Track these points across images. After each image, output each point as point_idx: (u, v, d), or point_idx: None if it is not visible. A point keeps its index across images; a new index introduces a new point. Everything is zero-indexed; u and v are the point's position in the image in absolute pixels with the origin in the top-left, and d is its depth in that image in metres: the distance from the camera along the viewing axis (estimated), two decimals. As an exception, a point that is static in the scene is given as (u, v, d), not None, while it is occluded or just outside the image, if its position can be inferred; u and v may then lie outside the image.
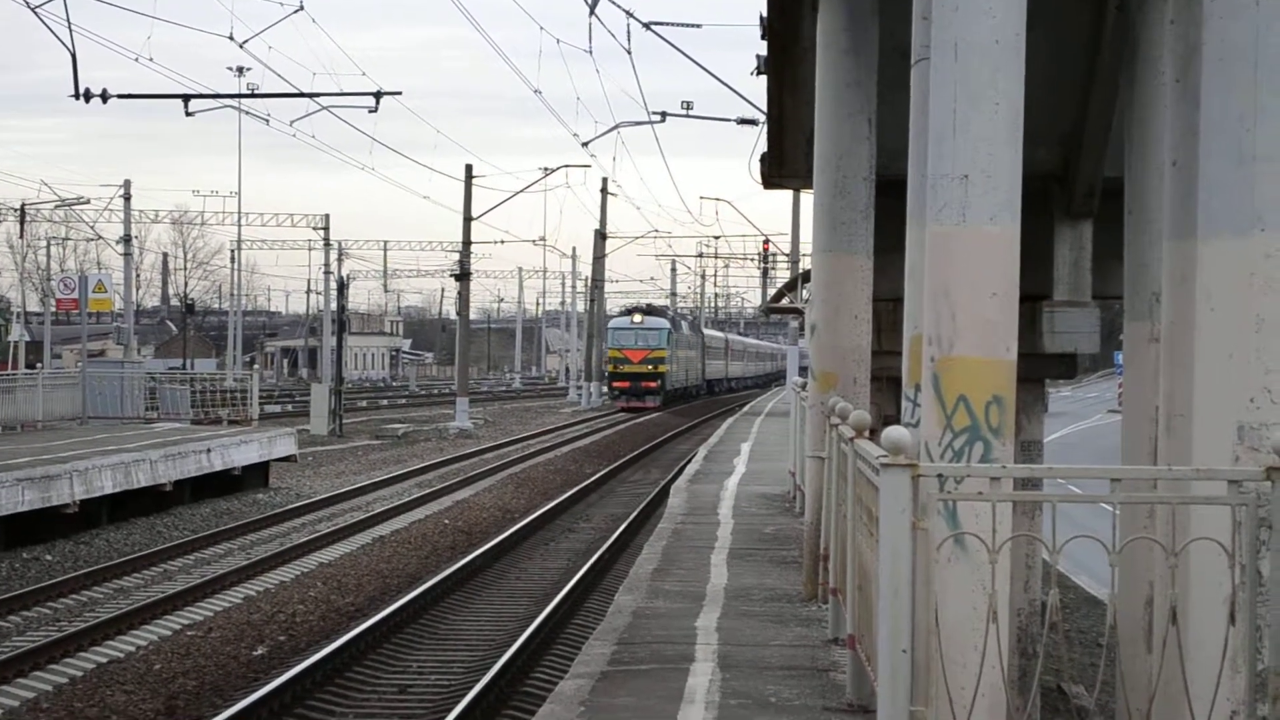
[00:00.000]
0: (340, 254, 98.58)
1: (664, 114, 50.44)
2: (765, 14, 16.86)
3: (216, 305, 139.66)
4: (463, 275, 67.08)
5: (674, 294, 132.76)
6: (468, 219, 66.56)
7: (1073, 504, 7.48)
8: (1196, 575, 7.76)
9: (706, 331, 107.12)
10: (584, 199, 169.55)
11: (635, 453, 51.98)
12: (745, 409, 63.57)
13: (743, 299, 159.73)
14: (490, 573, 26.08)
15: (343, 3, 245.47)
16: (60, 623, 20.85)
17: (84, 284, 58.81)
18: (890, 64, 13.62)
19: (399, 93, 44.22)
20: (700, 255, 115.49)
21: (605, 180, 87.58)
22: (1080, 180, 16.97)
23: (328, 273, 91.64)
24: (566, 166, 74.13)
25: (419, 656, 19.52)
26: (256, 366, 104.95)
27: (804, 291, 33.27)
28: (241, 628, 20.52)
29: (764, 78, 19.56)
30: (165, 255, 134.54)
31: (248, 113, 54.33)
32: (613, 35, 65.89)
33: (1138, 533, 10.03)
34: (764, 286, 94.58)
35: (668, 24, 46.01)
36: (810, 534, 13.69)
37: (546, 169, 72.74)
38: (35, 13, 33.73)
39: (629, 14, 37.19)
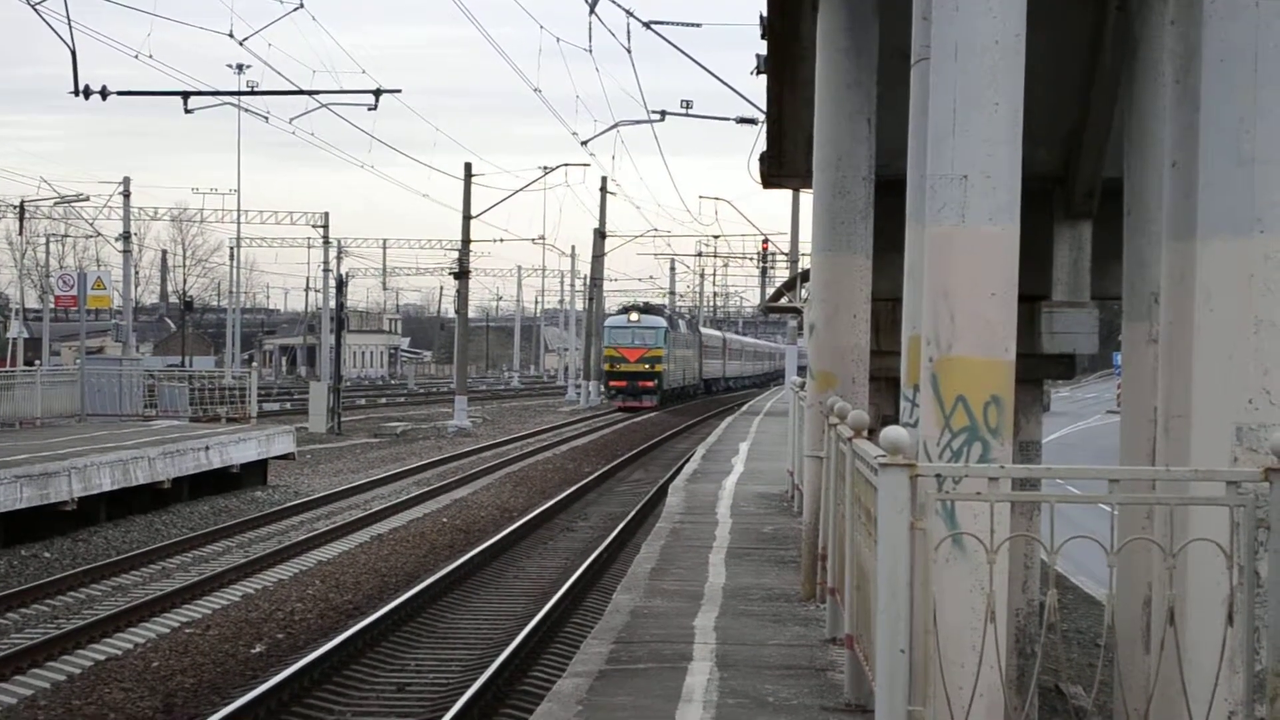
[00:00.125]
0: (339, 252, 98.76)
1: (664, 113, 50.52)
2: (765, 14, 16.87)
3: (215, 303, 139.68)
4: (462, 273, 67.06)
5: (673, 293, 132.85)
6: (467, 217, 66.54)
7: (1071, 505, 7.48)
8: (1195, 576, 7.77)
9: (704, 330, 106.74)
10: (583, 198, 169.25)
11: (633, 452, 51.98)
12: (744, 408, 63.60)
13: (742, 298, 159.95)
14: (488, 571, 26.07)
15: (343, 1, 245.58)
16: (58, 620, 20.85)
17: (83, 281, 58.88)
18: (890, 64, 13.62)
19: (398, 90, 44.27)
20: (699, 254, 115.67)
21: (604, 179, 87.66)
22: (1080, 181, 16.98)
23: (327, 270, 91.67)
24: (566, 165, 74.08)
25: (417, 655, 19.51)
26: (255, 364, 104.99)
27: (803, 291, 33.28)
28: (240, 625, 20.52)
29: (764, 77, 19.57)
30: (164, 252, 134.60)
31: (247, 110, 54.26)
32: (612, 34, 65.90)
33: (1136, 533, 10.03)
34: (763, 286, 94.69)
35: (668, 23, 46.15)
36: (808, 533, 13.70)
37: (546, 168, 72.78)
38: (35, 10, 33.77)
39: (629, 13, 37.22)
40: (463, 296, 68.88)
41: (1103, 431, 67.72)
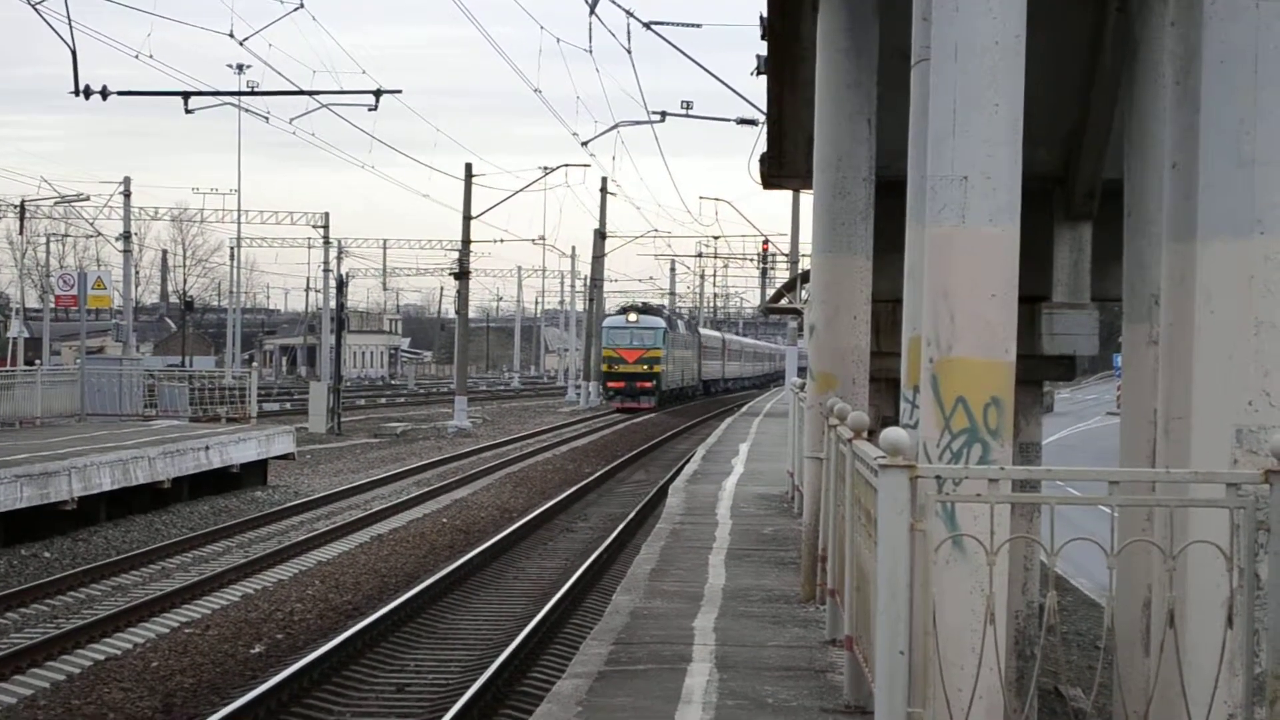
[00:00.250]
0: (339, 252, 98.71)
1: (664, 113, 50.52)
2: (765, 14, 16.86)
3: (215, 303, 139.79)
4: (462, 274, 67.06)
5: (673, 293, 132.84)
6: (467, 218, 66.55)
7: (1071, 506, 7.47)
8: (1194, 578, 7.76)
9: (703, 331, 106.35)
10: (583, 198, 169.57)
11: (633, 452, 51.98)
12: (744, 409, 63.60)
13: (742, 299, 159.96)
14: (488, 572, 26.07)
15: (343, 1, 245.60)
16: (58, 620, 20.85)
17: (83, 281, 58.86)
18: (890, 65, 13.61)
19: (399, 91, 44.27)
20: (699, 255, 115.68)
21: (605, 180, 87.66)
22: (1080, 182, 16.98)
23: (327, 271, 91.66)
24: (566, 166, 74.10)
25: (417, 655, 19.51)
26: (255, 364, 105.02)
27: (803, 292, 33.27)
28: (239, 626, 20.52)
29: (764, 78, 19.57)
30: (165, 252, 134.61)
31: (248, 110, 54.25)
32: (613, 35, 65.99)
33: (1136, 535, 10.02)
34: (763, 287, 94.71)
35: (668, 24, 46.15)
36: (808, 535, 13.69)
37: (546, 168, 72.80)
38: (36, 9, 33.77)
39: (629, 13, 37.23)
40: (463, 297, 68.90)
41: (1103, 433, 67.75)
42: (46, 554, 26.03)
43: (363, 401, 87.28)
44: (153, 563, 25.71)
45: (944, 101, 8.37)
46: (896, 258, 10.97)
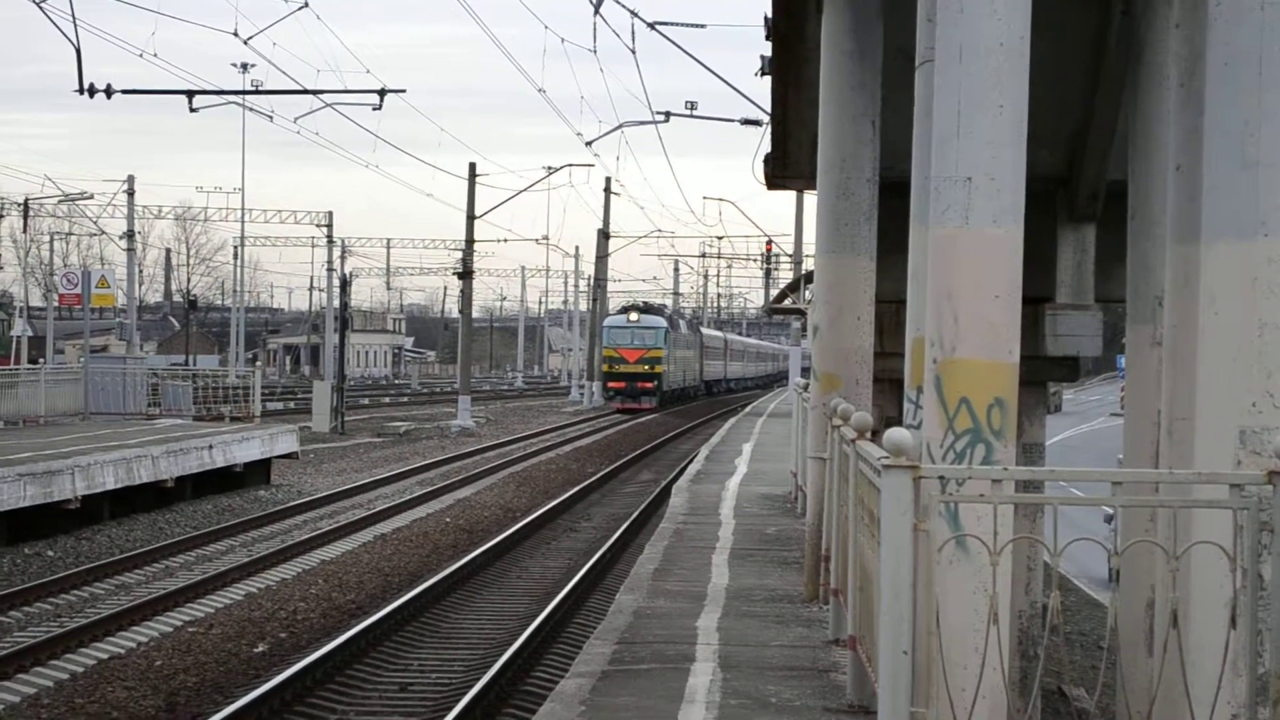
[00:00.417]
0: (343, 251, 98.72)
1: (668, 114, 50.61)
2: (770, 15, 16.87)
3: (219, 302, 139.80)
4: (466, 273, 67.06)
5: (677, 293, 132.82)
6: (471, 217, 66.56)
7: (1075, 507, 7.48)
8: (1198, 579, 7.77)
9: (705, 331, 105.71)
10: (587, 198, 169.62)
11: (637, 452, 51.98)
12: (747, 409, 63.59)
13: (745, 299, 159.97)
14: (491, 571, 26.08)
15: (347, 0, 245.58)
16: (61, 619, 20.86)
17: (87, 279, 58.86)
18: (894, 66, 13.62)
19: (403, 90, 44.31)
20: (703, 255, 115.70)
21: (609, 179, 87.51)
22: (1084, 183, 16.98)
23: (330, 270, 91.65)
24: (570, 165, 74.15)
25: (420, 654, 19.52)
26: (259, 363, 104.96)
27: (806, 292, 33.26)
28: (243, 625, 20.54)
29: (768, 79, 19.57)
30: (168, 251, 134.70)
31: (252, 109, 54.24)
32: (617, 35, 65.77)
33: (1139, 536, 10.04)
34: (767, 287, 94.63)
35: (672, 24, 46.12)
36: (812, 535, 13.70)
37: (550, 168, 72.81)
38: (41, 8, 33.78)
39: (634, 13, 37.27)
40: (466, 296, 68.91)
41: (1106, 434, 67.74)
42: (50, 553, 26.04)
43: (366, 401, 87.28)
44: (156, 562, 25.72)
45: (948, 103, 8.38)
46: (900, 258, 10.98)
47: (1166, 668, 7.35)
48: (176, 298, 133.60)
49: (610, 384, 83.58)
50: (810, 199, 38.98)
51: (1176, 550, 7.30)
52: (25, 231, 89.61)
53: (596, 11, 36.93)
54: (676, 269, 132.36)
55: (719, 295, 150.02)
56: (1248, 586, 6.95)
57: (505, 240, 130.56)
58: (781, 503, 22.19)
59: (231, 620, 20.79)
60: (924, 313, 8.84)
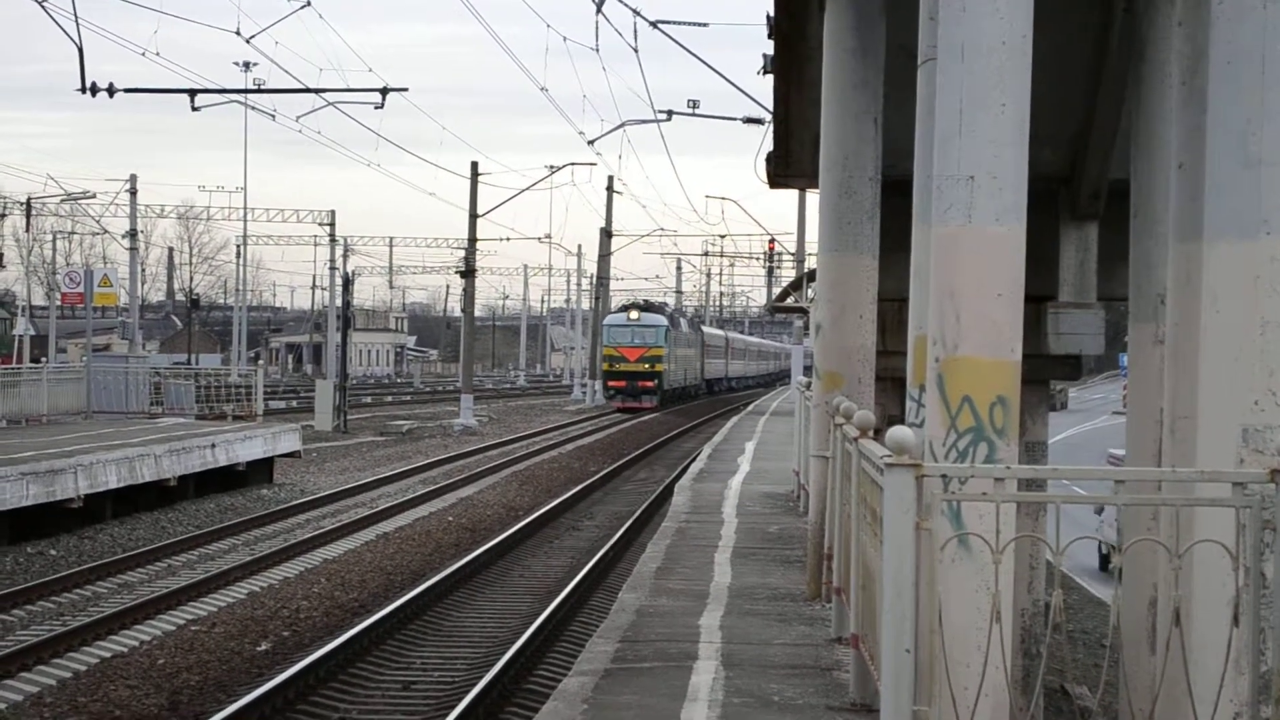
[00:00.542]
0: (345, 250, 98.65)
1: (670, 112, 50.61)
2: (772, 14, 16.88)
3: (221, 300, 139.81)
4: (468, 272, 67.07)
5: (679, 292, 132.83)
6: (473, 216, 66.57)
7: (1077, 505, 7.49)
8: (1200, 577, 7.78)
9: (706, 330, 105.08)
10: (590, 197, 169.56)
11: (639, 451, 51.98)
12: (749, 408, 63.58)
13: (748, 298, 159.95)
14: (494, 570, 26.09)
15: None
16: (64, 617, 20.87)
17: (89, 278, 58.97)
18: (897, 64, 13.63)
19: (405, 89, 44.31)
20: (706, 254, 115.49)
21: (611, 178, 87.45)
22: (1086, 182, 16.99)
23: (333, 268, 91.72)
24: (572, 164, 74.05)
25: (423, 653, 19.53)
26: (261, 362, 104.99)
27: (809, 291, 33.25)
28: (245, 623, 20.55)
29: (770, 77, 19.58)
30: (171, 250, 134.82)
31: (254, 108, 54.41)
32: (619, 34, 66.02)
33: (1142, 534, 10.04)
34: (769, 285, 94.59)
35: (675, 23, 46.17)
36: (814, 533, 13.70)
37: (553, 167, 72.78)
38: (43, 7, 33.80)
39: (636, 12, 37.27)
40: (469, 295, 68.94)
41: (1108, 432, 67.72)
42: (53, 551, 26.06)
43: (369, 399, 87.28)
44: (159, 560, 25.73)
45: (950, 101, 8.38)
46: (902, 257, 10.98)
47: (1169, 666, 7.36)
48: (179, 296, 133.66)
49: (610, 383, 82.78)
50: (813, 197, 38.96)
51: (1179, 549, 7.30)
52: (28, 230, 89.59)
53: (599, 10, 36.96)
54: (679, 268, 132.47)
55: (721, 294, 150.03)
56: (1250, 585, 6.96)
57: (508, 239, 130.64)
58: (784, 501, 22.18)
59: (234, 619, 20.80)
60: (926, 311, 8.84)
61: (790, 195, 72.97)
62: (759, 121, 42.95)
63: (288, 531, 30.03)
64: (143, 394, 43.16)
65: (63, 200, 78.33)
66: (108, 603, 21.92)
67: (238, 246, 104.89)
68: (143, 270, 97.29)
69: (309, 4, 40.39)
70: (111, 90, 40.02)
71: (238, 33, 42.91)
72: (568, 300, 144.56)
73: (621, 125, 61.52)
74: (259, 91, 51.17)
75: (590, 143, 61.13)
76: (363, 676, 17.99)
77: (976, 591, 7.66)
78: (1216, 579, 7.47)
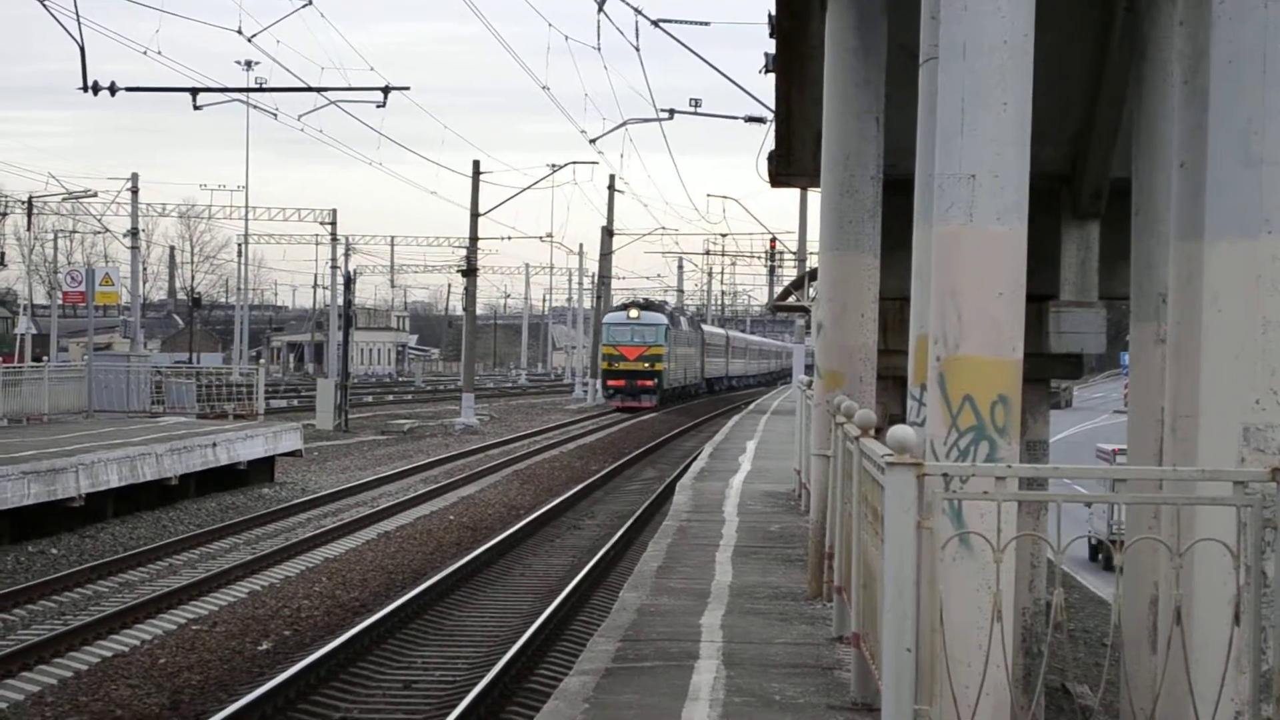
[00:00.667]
0: (347, 249, 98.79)
1: (672, 111, 50.61)
2: (774, 13, 16.88)
3: (223, 299, 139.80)
4: (469, 271, 67.07)
5: (681, 291, 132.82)
6: (475, 215, 66.57)
7: (1078, 504, 7.49)
8: (1201, 576, 7.78)
9: (706, 328, 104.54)
10: (591, 196, 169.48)
11: (640, 450, 51.98)
12: (750, 407, 63.57)
13: (749, 297, 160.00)
14: (495, 569, 26.09)
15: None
16: (65, 616, 20.88)
17: (90, 277, 58.90)
18: (898, 63, 13.63)
19: (407, 88, 44.30)
20: (707, 253, 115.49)
21: (613, 177, 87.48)
22: (1088, 181, 16.99)
23: (334, 267, 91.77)
24: (574, 163, 74.05)
25: (424, 652, 19.53)
26: (262, 361, 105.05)
27: (810, 290, 33.27)
28: (246, 622, 20.55)
29: (772, 76, 19.59)
30: (172, 249, 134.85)
31: (256, 107, 54.41)
32: (621, 32, 66.07)
33: (1143, 533, 10.04)
34: (770, 284, 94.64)
35: (676, 21, 46.25)
36: (815, 532, 13.70)
37: (554, 165, 72.79)
38: (44, 5, 33.80)
39: (638, 11, 37.27)
40: (470, 294, 68.92)
41: (1109, 431, 67.71)
42: (54, 550, 26.06)
43: (370, 398, 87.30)
44: (160, 559, 25.74)
45: (952, 100, 8.37)
46: (904, 256, 10.98)
47: (1170, 665, 7.35)
48: (180, 295, 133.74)
49: (610, 382, 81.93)
50: (814, 196, 38.95)
51: (1180, 547, 7.30)
52: (29, 229, 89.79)
53: (601, 9, 36.95)
54: (680, 266, 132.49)
55: (723, 293, 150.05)
56: (1251, 583, 6.95)
57: (509, 238, 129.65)
58: (785, 500, 22.17)
59: (235, 618, 20.80)
60: (928, 310, 8.83)
61: (792, 194, 73.08)
62: (761, 120, 42.95)
63: (289, 530, 30.03)
64: (144, 393, 43.14)
65: (64, 199, 78.33)
66: (109, 602, 21.93)
67: (239, 245, 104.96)
68: (144, 269, 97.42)
69: (310, 3, 40.38)
70: (113, 89, 40.03)
71: (239, 31, 42.86)
72: (569, 299, 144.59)
73: (623, 124, 61.55)
74: (261, 90, 51.27)
75: (592, 141, 61.12)
76: (364, 676, 17.99)
77: (978, 590, 7.66)
78: (1217, 578, 7.47)
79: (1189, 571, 7.55)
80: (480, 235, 67.11)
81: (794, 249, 70.90)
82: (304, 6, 40.61)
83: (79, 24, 34.12)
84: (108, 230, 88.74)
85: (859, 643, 9.38)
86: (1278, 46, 8.09)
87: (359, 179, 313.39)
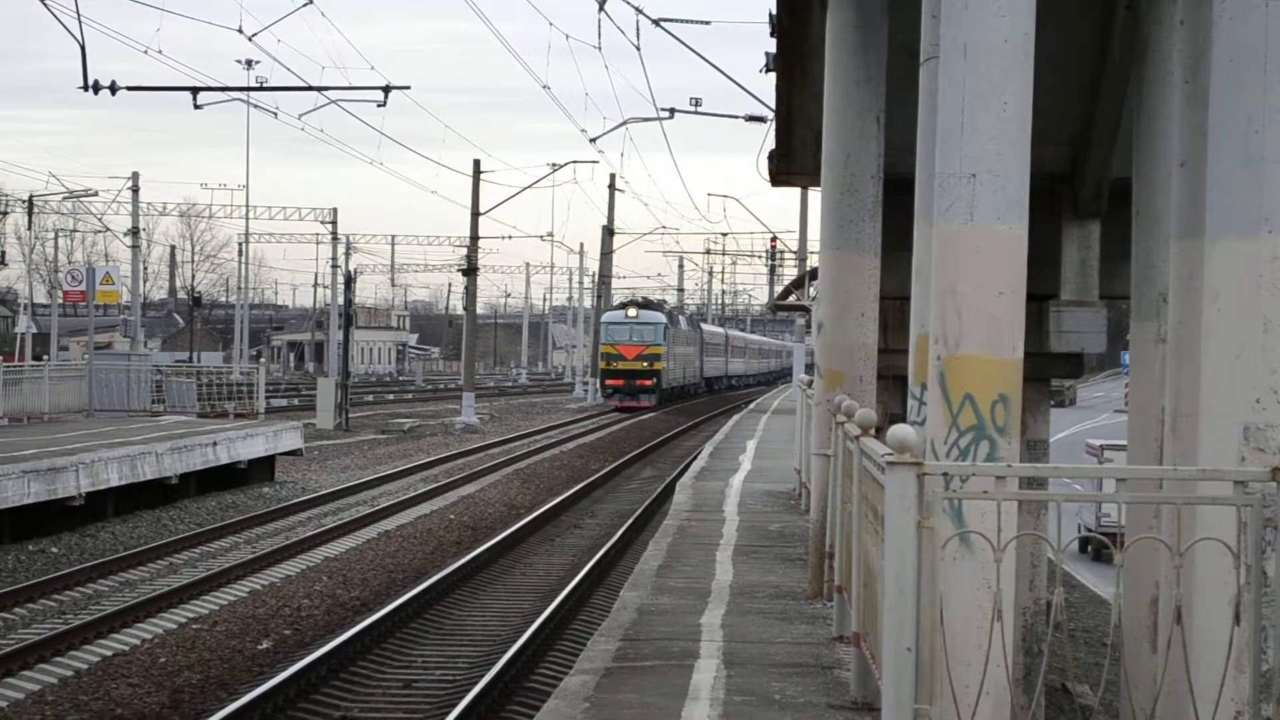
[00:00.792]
0: (348, 248, 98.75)
1: (672, 110, 50.55)
2: (775, 12, 16.88)
3: (223, 298, 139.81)
4: (470, 270, 67.07)
5: (681, 290, 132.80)
6: (475, 214, 66.56)
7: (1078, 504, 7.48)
8: (1202, 575, 7.77)
9: (705, 327, 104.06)
10: (592, 195, 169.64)
11: (641, 449, 51.99)
12: (751, 406, 63.57)
13: (750, 296, 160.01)
14: (495, 568, 26.09)
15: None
16: (66, 615, 20.88)
17: (91, 276, 58.95)
18: (899, 62, 13.63)
19: (407, 87, 44.33)
20: (708, 252, 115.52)
21: (613, 176, 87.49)
22: (1088, 180, 16.99)
23: (335, 266, 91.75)
24: (575, 162, 74.06)
25: (424, 651, 19.53)
26: (263, 360, 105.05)
27: (811, 289, 33.27)
28: (247, 621, 20.55)
29: (773, 75, 19.58)
30: (173, 248, 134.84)
31: (256, 106, 54.35)
32: (622, 31, 65.90)
33: (1143, 532, 10.03)
34: (771, 284, 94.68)
35: (677, 20, 46.11)
36: (816, 531, 13.70)
37: (555, 165, 72.80)
38: (45, 4, 33.79)
39: (638, 10, 37.24)
40: (471, 293, 68.92)
41: (1110, 430, 67.68)
42: (54, 549, 26.07)
43: (370, 398, 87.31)
44: (160, 558, 25.74)
45: (952, 99, 8.37)
46: (905, 255, 10.98)
47: (1170, 664, 7.35)
48: (181, 294, 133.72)
49: (608, 381, 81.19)
50: (815, 195, 38.93)
51: (1180, 547, 7.30)
52: (30, 228, 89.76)
53: (601, 8, 36.92)
54: (681, 265, 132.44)
55: (723, 292, 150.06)
56: (1251, 583, 6.95)
57: (510, 237, 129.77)
58: (785, 499, 22.17)
59: (235, 617, 20.80)
60: (928, 309, 8.83)
61: (792, 193, 73.02)
62: (761, 119, 42.92)
63: (289, 529, 30.03)
64: (144, 392, 43.14)
65: (65, 198, 78.32)
66: (109, 601, 21.93)
67: (240, 244, 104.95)
68: (145, 268, 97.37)
69: (311, 2, 40.38)
70: (114, 88, 40.03)
71: (240, 30, 42.92)
72: (570, 298, 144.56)
73: (624, 123, 61.54)
74: (261, 89, 51.31)
75: (592, 141, 61.27)
76: (364, 675, 17.99)
77: (978, 590, 7.66)
78: (1218, 577, 7.46)
79: (1189, 571, 7.55)
80: (481, 234, 67.10)
81: (794, 248, 70.93)
82: (305, 5, 40.62)
83: (80, 23, 34.13)
84: (108, 229, 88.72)
85: (859, 642, 9.38)
86: (1278, 46, 8.09)
87: (359, 178, 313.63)
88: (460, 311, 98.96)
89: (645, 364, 79.48)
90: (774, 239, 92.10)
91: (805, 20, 16.19)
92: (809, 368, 32.58)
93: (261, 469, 37.82)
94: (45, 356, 66.79)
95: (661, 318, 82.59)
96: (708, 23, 60.85)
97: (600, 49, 44.55)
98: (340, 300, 74.34)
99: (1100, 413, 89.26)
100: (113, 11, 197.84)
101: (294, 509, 33.03)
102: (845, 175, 14.21)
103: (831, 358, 14.54)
